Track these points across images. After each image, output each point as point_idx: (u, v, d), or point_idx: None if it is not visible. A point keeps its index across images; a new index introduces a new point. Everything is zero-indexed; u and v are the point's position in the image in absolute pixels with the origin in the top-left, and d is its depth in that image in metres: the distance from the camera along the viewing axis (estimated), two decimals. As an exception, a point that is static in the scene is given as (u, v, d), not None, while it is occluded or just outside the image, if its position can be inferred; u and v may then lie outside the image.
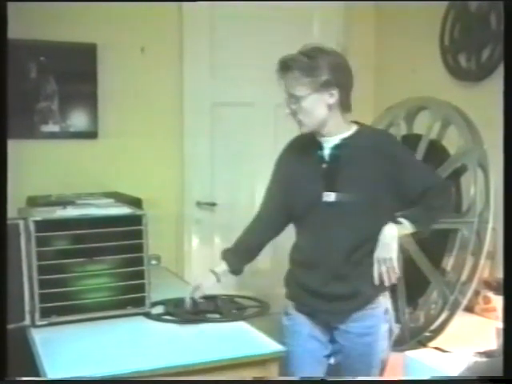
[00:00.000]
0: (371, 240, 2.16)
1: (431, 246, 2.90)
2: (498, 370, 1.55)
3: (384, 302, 2.24)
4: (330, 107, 2.14)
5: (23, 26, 3.08)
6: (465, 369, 2.14)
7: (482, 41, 3.14)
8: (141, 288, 2.38)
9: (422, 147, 2.99)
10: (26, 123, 3.20)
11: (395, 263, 2.14)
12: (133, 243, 2.39)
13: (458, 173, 2.87)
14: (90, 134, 3.34)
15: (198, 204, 3.60)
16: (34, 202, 2.86)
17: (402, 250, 3.00)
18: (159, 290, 2.51)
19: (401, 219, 2.17)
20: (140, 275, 2.39)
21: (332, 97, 2.12)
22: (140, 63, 3.41)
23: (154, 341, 2.16)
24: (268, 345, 2.09)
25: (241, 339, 2.16)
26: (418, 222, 2.20)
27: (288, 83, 2.14)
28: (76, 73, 3.28)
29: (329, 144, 2.19)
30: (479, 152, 2.75)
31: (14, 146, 3.10)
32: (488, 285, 2.94)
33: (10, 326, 2.07)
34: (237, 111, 3.65)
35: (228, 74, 3.61)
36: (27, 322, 2.27)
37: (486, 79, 3.12)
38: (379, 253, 2.15)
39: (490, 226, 2.63)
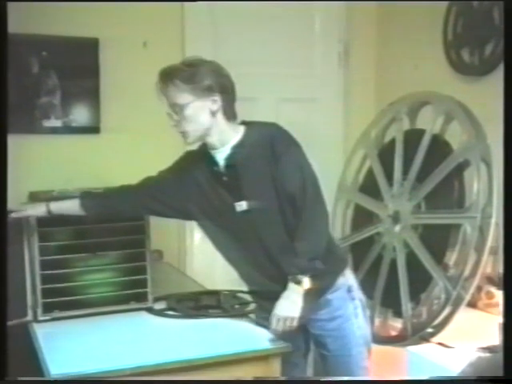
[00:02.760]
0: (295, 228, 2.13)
1: (434, 241, 2.90)
2: (500, 365, 1.55)
3: (344, 281, 2.23)
4: (213, 114, 2.12)
5: (25, 20, 3.08)
6: (467, 364, 2.13)
7: (485, 36, 3.13)
8: (143, 283, 2.39)
9: (424, 142, 2.99)
10: (28, 118, 3.20)
11: (296, 322, 2.09)
12: (135, 238, 2.39)
13: (460, 168, 2.87)
14: (92, 129, 3.33)
15: (201, 199, 3.59)
16: (36, 197, 2.85)
17: (405, 244, 3.00)
18: (161, 285, 2.50)
19: (298, 277, 2.09)
20: (142, 270, 2.39)
21: (215, 103, 2.11)
22: (142, 58, 3.40)
23: (157, 336, 2.16)
24: (270, 340, 2.09)
25: (243, 334, 2.16)
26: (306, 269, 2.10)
27: (170, 93, 2.12)
28: (78, 67, 3.27)
29: (222, 155, 2.16)
30: (482, 147, 2.75)
31: (15, 141, 3.11)
32: (491, 280, 2.94)
33: (13, 322, 2.08)
34: (239, 106, 3.59)
35: (230, 70, 3.57)
36: (29, 317, 2.28)
37: (489, 74, 3.11)
38: (279, 310, 2.09)
39: (493, 221, 2.63)
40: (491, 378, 1.57)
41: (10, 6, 2.93)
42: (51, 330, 2.17)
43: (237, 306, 2.41)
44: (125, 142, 3.37)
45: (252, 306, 2.39)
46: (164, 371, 1.88)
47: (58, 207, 2.31)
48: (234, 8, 3.55)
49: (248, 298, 2.48)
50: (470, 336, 2.61)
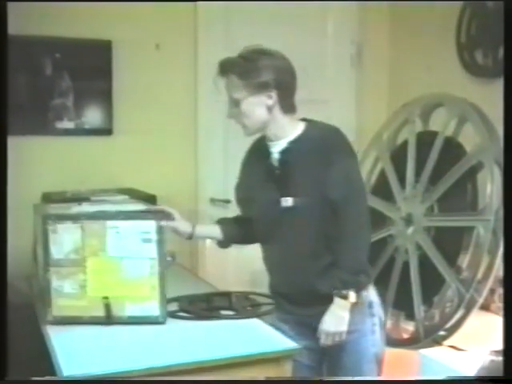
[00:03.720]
0: (337, 240, 2.13)
1: (447, 243, 2.89)
2: (514, 368, 1.54)
3: (365, 296, 2.21)
4: (269, 109, 2.12)
5: (38, 22, 3.10)
6: (480, 367, 2.13)
7: (500, 37, 3.11)
8: (156, 284, 2.39)
9: (437, 144, 2.98)
10: (41, 120, 3.22)
11: (344, 335, 2.12)
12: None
13: (474, 170, 2.86)
14: (105, 131, 3.34)
15: (212, 201, 3.60)
16: (49, 198, 2.87)
17: (417, 247, 2.99)
18: (173, 286, 2.50)
19: (344, 291, 2.11)
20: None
21: (270, 98, 2.11)
22: (155, 60, 3.42)
23: (168, 337, 2.16)
24: (282, 342, 2.08)
25: (255, 336, 2.15)
26: (348, 282, 2.11)
27: (227, 86, 2.14)
28: (91, 69, 3.29)
29: (277, 148, 2.17)
30: (496, 149, 2.74)
31: (28, 143, 3.15)
32: (504, 283, 2.93)
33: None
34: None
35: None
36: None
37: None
38: (327, 325, 2.12)
39: (507, 223, 2.61)
40: (491, 378, 1.57)
41: (24, 7, 2.97)
42: (64, 331, 2.17)
43: (249, 308, 2.40)
44: (137, 143, 3.38)
45: (264, 308, 2.39)
46: (175, 373, 1.88)
47: (200, 231, 2.37)
48: (247, 9, 3.55)
49: (260, 299, 2.47)
50: (482, 339, 2.59)
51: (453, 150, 2.97)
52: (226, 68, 2.13)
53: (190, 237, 2.35)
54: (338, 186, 2.09)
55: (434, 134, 3.04)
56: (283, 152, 2.16)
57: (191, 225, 2.35)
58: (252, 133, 2.20)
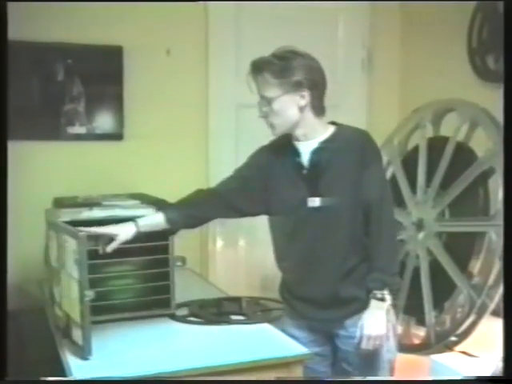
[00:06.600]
0: (362, 244, 2.14)
1: (458, 248, 2.88)
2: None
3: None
4: (301, 109, 2.12)
5: (50, 28, 3.12)
6: (492, 373, 2.12)
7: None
8: (166, 289, 2.39)
9: (449, 149, 2.97)
10: (53, 125, 3.23)
11: (384, 339, 2.13)
12: (158, 244, 2.40)
13: (485, 175, 2.85)
14: (116, 136, 3.36)
15: (223, 205, 3.60)
16: (60, 203, 2.87)
17: (428, 252, 2.98)
18: (184, 291, 2.51)
19: (380, 294, 2.12)
20: (165, 277, 2.39)
21: (303, 98, 2.11)
22: (165, 65, 3.43)
23: (179, 342, 2.16)
24: (292, 347, 2.08)
25: (265, 341, 2.15)
26: (386, 282, 2.12)
27: (259, 85, 2.14)
28: (102, 75, 3.31)
29: (307, 148, 2.16)
30: (507, 154, 2.72)
31: (40, 148, 3.17)
32: (516, 289, 2.91)
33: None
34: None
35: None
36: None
37: (515, 80, 3.08)
38: (368, 329, 2.11)
39: (519, 229, 2.59)
40: (491, 378, 1.56)
41: (36, 13, 2.99)
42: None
43: (259, 313, 2.41)
44: (148, 148, 3.39)
45: (275, 313, 2.39)
46: (185, 377, 1.88)
47: (145, 224, 2.20)
48: (258, 14, 3.56)
49: (271, 304, 2.47)
50: (494, 345, 2.58)
51: (464, 155, 2.96)
52: (260, 66, 2.12)
53: (138, 232, 2.18)
54: (374, 188, 2.12)
55: (446, 139, 3.03)
56: (314, 152, 2.15)
57: (134, 223, 2.19)
58: (280, 132, 2.18)
